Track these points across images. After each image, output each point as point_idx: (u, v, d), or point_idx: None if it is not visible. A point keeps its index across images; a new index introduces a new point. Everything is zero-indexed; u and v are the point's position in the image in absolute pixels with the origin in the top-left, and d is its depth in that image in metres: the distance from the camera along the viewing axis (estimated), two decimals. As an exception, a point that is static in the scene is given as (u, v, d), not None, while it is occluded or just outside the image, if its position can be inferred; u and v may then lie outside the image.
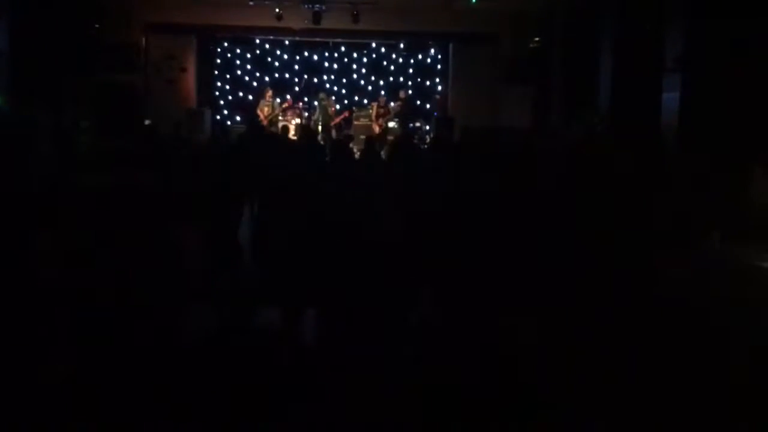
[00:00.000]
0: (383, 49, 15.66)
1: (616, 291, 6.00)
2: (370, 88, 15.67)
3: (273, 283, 4.65)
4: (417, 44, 15.42)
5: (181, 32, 13.98)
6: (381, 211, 5.36)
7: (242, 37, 15.22)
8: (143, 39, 13.62)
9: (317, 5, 12.80)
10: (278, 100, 14.23)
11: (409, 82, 15.62)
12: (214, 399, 3.18)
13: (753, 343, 4.67)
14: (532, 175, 6.92)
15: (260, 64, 15.63)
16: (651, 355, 5.31)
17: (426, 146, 11.89)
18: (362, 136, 11.60)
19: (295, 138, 12.30)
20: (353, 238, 4.81)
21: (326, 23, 13.29)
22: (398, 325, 4.18)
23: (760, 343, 4.65)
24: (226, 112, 15.52)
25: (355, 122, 14.27)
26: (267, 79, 15.41)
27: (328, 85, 15.60)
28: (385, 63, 15.76)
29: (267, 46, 15.58)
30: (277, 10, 13.05)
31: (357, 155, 8.72)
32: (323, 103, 13.79)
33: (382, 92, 14.49)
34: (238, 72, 15.63)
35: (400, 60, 15.74)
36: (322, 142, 10.79)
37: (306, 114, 14.20)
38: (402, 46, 15.47)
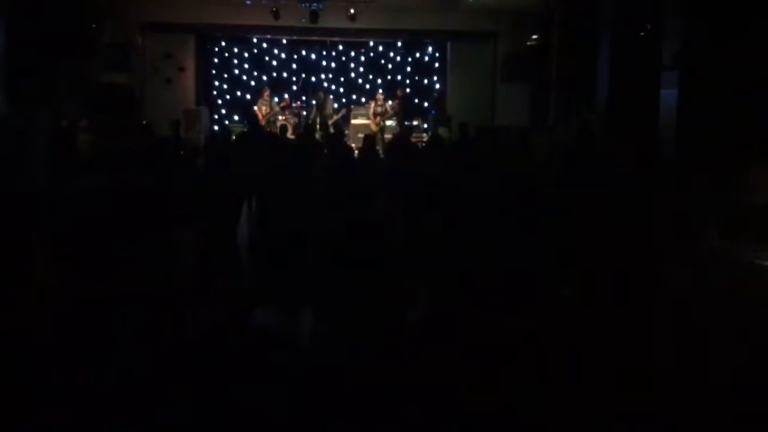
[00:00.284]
0: (381, 48, 15.66)
1: (615, 289, 6.01)
2: (367, 86, 15.68)
3: (270, 283, 4.65)
4: (414, 42, 15.42)
5: (179, 31, 13.97)
6: (379, 210, 5.36)
7: (240, 36, 15.21)
8: (140, 39, 13.61)
9: (314, 4, 12.79)
10: (276, 99, 14.23)
11: (407, 81, 15.62)
12: (212, 399, 3.18)
13: (752, 343, 4.68)
14: (529, 172, 6.93)
15: (258, 63, 15.63)
16: (651, 355, 5.32)
17: (424, 144, 11.88)
18: (360, 135, 11.61)
19: (293, 137, 12.31)
20: (351, 237, 4.81)
21: (323, 22, 13.29)
22: (396, 325, 4.17)
23: (760, 341, 4.65)
24: (224, 111, 15.51)
25: (353, 120, 14.28)
26: (265, 78, 15.42)
27: (325, 84, 15.60)
28: (382, 61, 15.76)
29: (264, 45, 15.57)
30: (274, 9, 13.04)
31: (355, 153, 8.73)
32: (321, 101, 13.79)
33: (380, 90, 14.49)
34: (236, 71, 15.63)
35: (398, 58, 15.74)
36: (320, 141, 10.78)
37: (304, 113, 14.21)
38: (399, 44, 15.47)
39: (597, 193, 5.86)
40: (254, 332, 3.88)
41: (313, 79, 15.63)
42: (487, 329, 4.24)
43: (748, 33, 7.72)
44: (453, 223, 5.26)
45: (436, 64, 15.59)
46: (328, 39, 15.19)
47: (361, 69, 15.81)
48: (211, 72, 15.43)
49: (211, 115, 14.91)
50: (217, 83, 15.53)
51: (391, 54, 15.73)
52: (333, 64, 15.79)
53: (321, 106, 13.82)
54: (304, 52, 15.70)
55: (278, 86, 15.09)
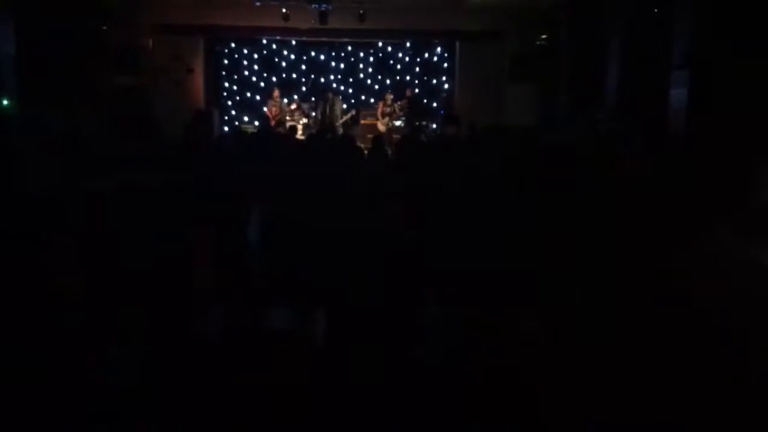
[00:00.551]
0: (389, 48, 15.67)
1: (626, 290, 5.99)
2: (376, 87, 15.69)
3: (282, 283, 4.66)
4: (423, 43, 15.42)
5: (188, 33, 14.02)
6: (389, 210, 5.36)
7: (249, 38, 15.25)
8: (150, 41, 13.67)
9: (323, 5, 12.81)
10: (285, 100, 14.27)
11: (416, 81, 15.62)
12: (225, 398, 3.20)
13: (764, 341, 4.65)
14: (537, 172, 6.92)
15: (267, 64, 15.66)
16: (662, 356, 5.29)
17: (431, 144, 11.88)
18: (369, 135, 11.63)
19: (302, 138, 12.34)
20: (361, 237, 4.82)
21: (333, 23, 13.31)
22: (406, 325, 4.18)
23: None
24: (233, 112, 15.56)
25: (362, 121, 14.30)
26: (274, 79, 15.45)
27: (334, 85, 15.62)
28: (391, 62, 15.77)
29: (274, 46, 15.61)
30: (283, 10, 13.07)
31: (364, 154, 8.74)
32: (330, 102, 13.82)
33: (389, 91, 14.49)
34: (245, 73, 15.67)
35: (407, 59, 15.74)
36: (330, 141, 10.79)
37: (313, 114, 14.24)
38: (408, 44, 15.47)
39: (605, 194, 5.84)
40: (266, 332, 3.90)
41: (322, 80, 15.66)
42: (498, 330, 4.24)
43: (759, 32, 7.67)
44: (461, 222, 5.26)
45: (445, 65, 15.58)
46: (337, 40, 15.21)
47: (370, 70, 15.83)
48: (220, 73, 15.47)
49: (221, 116, 14.96)
50: (226, 84, 15.58)
51: (400, 55, 15.74)
52: (342, 65, 15.81)
53: (330, 107, 13.84)
54: (313, 54, 15.72)
55: (287, 87, 15.12)
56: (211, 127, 13.30)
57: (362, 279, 4.44)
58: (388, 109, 13.85)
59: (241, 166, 5.85)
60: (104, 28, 12.56)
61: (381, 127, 13.70)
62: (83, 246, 3.28)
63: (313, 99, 14.89)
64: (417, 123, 14.00)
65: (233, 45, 15.50)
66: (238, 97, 15.65)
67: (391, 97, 14.06)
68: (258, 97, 15.41)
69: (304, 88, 15.54)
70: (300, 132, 13.28)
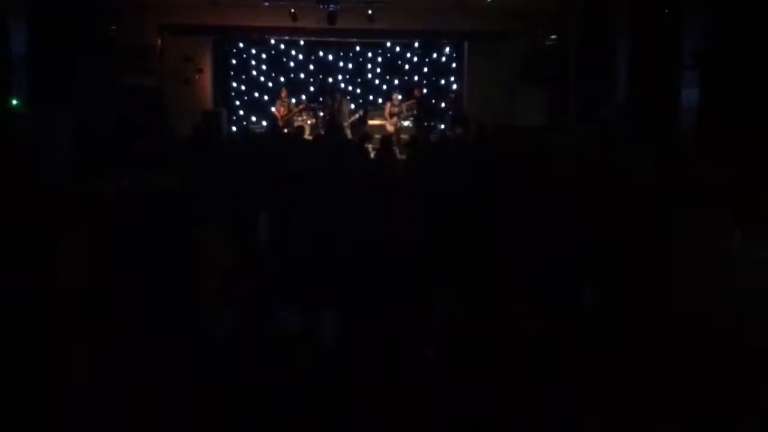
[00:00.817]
0: (398, 49, 15.66)
1: (637, 292, 5.96)
2: (384, 87, 15.67)
3: (292, 284, 4.66)
4: (431, 43, 15.40)
5: (197, 34, 14.05)
6: (399, 211, 5.35)
7: (257, 38, 15.27)
8: (159, 41, 13.71)
9: (332, 5, 12.82)
10: (293, 100, 14.28)
11: (424, 81, 15.60)
12: (234, 398, 3.20)
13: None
14: (547, 173, 6.90)
15: (275, 64, 15.68)
16: (671, 356, 5.26)
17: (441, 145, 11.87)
18: (377, 136, 11.62)
19: (310, 138, 12.34)
20: (372, 237, 4.81)
21: (341, 23, 13.31)
22: (418, 326, 4.17)
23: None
24: (241, 112, 15.58)
25: (370, 122, 14.27)
26: (282, 79, 15.46)
27: (342, 85, 15.62)
28: (399, 62, 15.75)
29: (282, 46, 15.62)
30: (292, 10, 13.08)
31: (372, 155, 8.75)
32: (337, 103, 13.81)
33: (397, 91, 14.48)
34: (254, 73, 15.69)
35: (415, 59, 15.72)
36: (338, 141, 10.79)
37: (321, 114, 14.24)
38: (416, 45, 15.45)
39: (615, 196, 5.82)
40: (276, 332, 3.90)
41: (330, 80, 15.66)
42: (508, 331, 4.23)
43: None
44: (472, 223, 5.25)
45: (453, 65, 15.55)
46: (346, 40, 15.21)
47: (378, 70, 15.82)
48: (229, 73, 15.50)
49: (230, 116, 14.99)
50: (234, 84, 15.60)
51: (408, 55, 15.72)
52: (350, 66, 15.81)
53: (338, 108, 13.83)
54: (321, 54, 15.73)
55: (295, 87, 15.14)
56: (219, 127, 13.32)
57: (372, 280, 4.43)
58: (395, 109, 13.83)
59: (250, 166, 5.85)
60: (114, 27, 12.61)
61: (389, 127, 13.69)
62: (93, 244, 3.29)
63: (320, 99, 14.89)
64: (426, 123, 13.98)
65: (242, 45, 15.53)
66: (246, 97, 15.68)
67: (399, 97, 14.05)
68: (266, 97, 15.42)
69: (312, 88, 15.54)
70: (308, 132, 13.28)
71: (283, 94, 14.00)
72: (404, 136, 12.79)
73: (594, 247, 5.36)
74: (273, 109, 14.21)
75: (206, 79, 14.38)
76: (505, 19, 13.50)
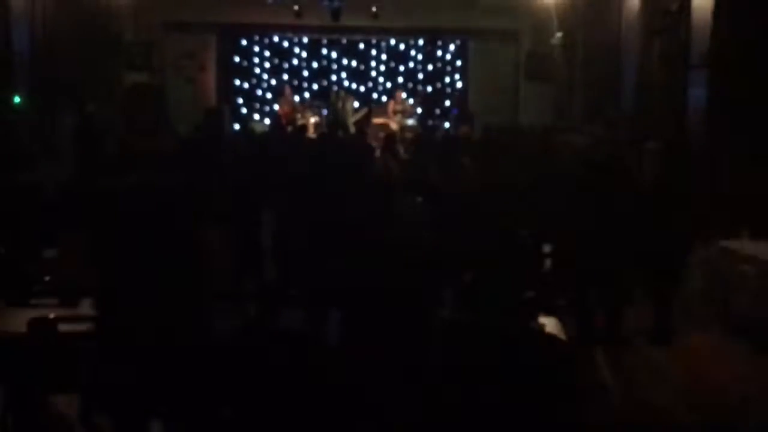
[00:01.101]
0: (402, 46, 15.60)
1: (644, 291, 5.92)
2: (388, 85, 15.62)
3: (296, 283, 4.62)
4: (436, 40, 15.34)
5: (200, 31, 14.01)
6: (404, 211, 5.30)
7: (261, 35, 15.22)
8: (162, 38, 13.67)
9: (336, 2, 12.77)
10: (297, 98, 14.23)
11: (428, 79, 15.54)
12: (238, 399, 3.16)
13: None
14: (554, 172, 6.85)
15: (279, 62, 15.63)
16: (677, 355, 5.22)
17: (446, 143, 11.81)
18: (381, 134, 11.56)
19: (314, 136, 12.29)
20: (376, 237, 4.76)
21: (345, 20, 13.26)
22: (423, 327, 4.12)
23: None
24: (244, 110, 15.54)
25: (374, 120, 14.22)
26: (285, 77, 15.41)
27: (346, 83, 15.57)
28: (403, 60, 15.70)
29: (285, 44, 15.57)
30: (296, 7, 13.03)
31: (376, 152, 8.70)
32: (341, 100, 13.77)
33: (401, 89, 14.42)
34: (257, 70, 15.64)
35: (419, 56, 15.66)
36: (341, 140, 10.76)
37: (324, 112, 14.19)
38: (421, 42, 15.40)
39: (619, 193, 5.76)
40: (280, 332, 3.85)
41: (334, 78, 15.61)
42: (513, 330, 4.17)
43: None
44: (475, 221, 5.20)
45: (458, 63, 15.49)
46: (350, 38, 15.15)
47: (382, 68, 15.76)
48: (232, 71, 15.45)
49: (232, 114, 14.94)
50: (237, 82, 15.56)
51: (412, 52, 15.66)
52: (354, 63, 15.76)
53: (341, 106, 13.78)
54: (324, 51, 15.68)
55: (299, 85, 15.09)
56: (222, 125, 13.28)
57: (376, 279, 4.38)
58: (398, 107, 13.77)
59: (254, 165, 5.81)
60: (116, 25, 12.57)
61: (393, 125, 13.63)
62: (96, 244, 3.25)
63: (324, 97, 14.84)
64: (430, 122, 13.93)
65: (245, 42, 15.48)
66: (249, 95, 15.63)
67: (403, 95, 13.99)
68: (269, 95, 15.38)
69: (315, 86, 15.49)
70: (311, 130, 13.23)
71: (287, 91, 13.95)
72: (409, 135, 12.74)
73: (600, 247, 5.33)
74: (276, 107, 14.16)
75: (209, 77, 14.34)
76: (510, 17, 13.43)
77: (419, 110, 13.92)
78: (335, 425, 3.12)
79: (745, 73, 7.61)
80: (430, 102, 14.64)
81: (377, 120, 14.16)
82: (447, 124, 14.95)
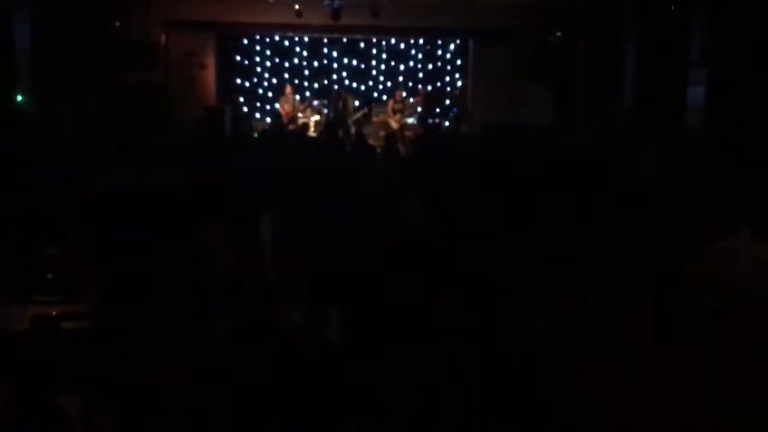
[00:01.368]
0: (402, 45, 15.61)
1: (644, 291, 5.91)
2: (389, 84, 15.63)
3: (296, 282, 4.63)
4: (436, 40, 15.35)
5: (201, 29, 14.02)
6: (404, 209, 5.31)
7: (262, 34, 15.23)
8: (163, 36, 13.68)
9: (337, 1, 12.77)
10: (298, 97, 14.24)
11: (429, 78, 15.55)
12: (239, 397, 3.17)
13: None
14: (553, 172, 6.85)
15: (279, 61, 15.64)
16: (679, 354, 5.20)
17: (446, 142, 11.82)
18: (381, 133, 11.57)
19: (315, 135, 12.31)
20: (376, 236, 4.77)
21: (346, 20, 13.26)
22: (423, 325, 4.13)
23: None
24: (246, 109, 15.55)
25: (374, 118, 14.24)
26: (286, 76, 15.42)
27: (347, 82, 15.58)
28: (403, 59, 15.71)
29: (286, 43, 15.58)
30: (296, 6, 13.03)
31: (377, 151, 8.70)
32: (342, 99, 13.77)
33: (401, 88, 14.43)
34: (258, 69, 15.65)
35: (420, 56, 15.67)
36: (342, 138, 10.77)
37: (325, 111, 14.20)
38: (421, 41, 15.40)
39: (619, 191, 5.77)
40: (281, 330, 3.87)
41: (335, 77, 15.61)
42: (516, 330, 4.19)
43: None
44: (479, 221, 5.21)
45: (458, 62, 15.50)
46: (350, 37, 15.16)
47: (383, 67, 15.78)
48: (233, 70, 15.46)
49: (233, 112, 14.94)
50: (238, 81, 15.57)
51: (413, 52, 15.67)
52: (354, 62, 15.77)
53: (342, 105, 13.79)
54: (325, 50, 15.68)
55: (300, 84, 15.10)
56: (223, 124, 13.28)
57: (377, 278, 4.39)
58: (398, 106, 13.78)
59: (256, 163, 5.82)
60: (118, 23, 12.57)
61: (393, 124, 13.64)
62: (97, 243, 3.27)
63: (325, 96, 14.85)
64: (431, 121, 13.93)
65: (246, 41, 15.49)
66: (249, 94, 15.63)
67: (403, 94, 13.99)
68: (270, 94, 15.39)
69: (316, 85, 15.50)
70: (312, 129, 13.24)
71: (288, 90, 13.96)
72: (409, 134, 12.75)
73: (601, 246, 5.33)
74: (277, 106, 14.17)
75: (210, 76, 14.34)
76: (510, 16, 13.44)
77: (419, 109, 13.91)
78: (335, 424, 3.14)
79: (744, 72, 7.63)
80: (434, 100, 14.63)
81: (378, 119, 14.19)
82: (447, 123, 14.96)
